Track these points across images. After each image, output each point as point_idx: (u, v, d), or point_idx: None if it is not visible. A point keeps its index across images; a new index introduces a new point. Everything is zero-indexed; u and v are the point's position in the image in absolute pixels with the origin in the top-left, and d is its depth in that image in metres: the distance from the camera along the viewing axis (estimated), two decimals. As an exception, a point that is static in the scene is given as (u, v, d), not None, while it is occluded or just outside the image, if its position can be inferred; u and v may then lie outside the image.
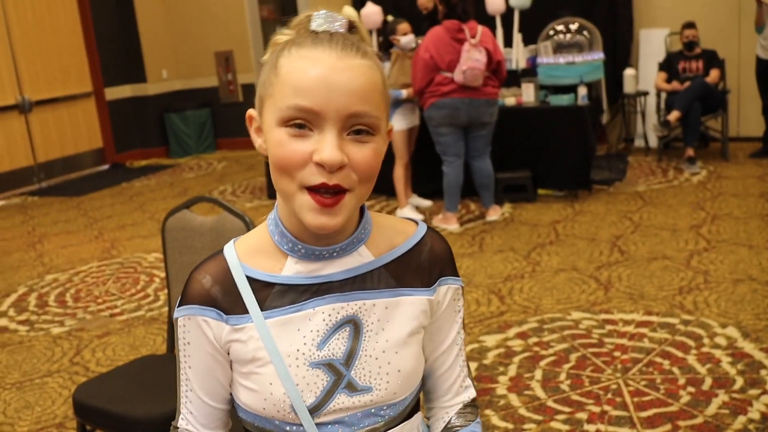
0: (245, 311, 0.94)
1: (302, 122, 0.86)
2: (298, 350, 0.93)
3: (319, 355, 0.94)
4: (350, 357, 0.95)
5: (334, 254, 0.95)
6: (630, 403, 2.66)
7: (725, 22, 7.16)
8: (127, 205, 6.96)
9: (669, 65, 6.78)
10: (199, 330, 0.96)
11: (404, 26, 5.29)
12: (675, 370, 2.87)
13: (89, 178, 8.53)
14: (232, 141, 9.79)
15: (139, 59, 9.48)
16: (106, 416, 2.00)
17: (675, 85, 6.57)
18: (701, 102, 6.34)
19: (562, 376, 2.91)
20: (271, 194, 6.64)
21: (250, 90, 9.63)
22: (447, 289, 1.02)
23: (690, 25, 6.65)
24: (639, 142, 7.49)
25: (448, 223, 5.16)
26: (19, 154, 8.07)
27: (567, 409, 2.66)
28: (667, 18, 7.36)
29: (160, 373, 2.21)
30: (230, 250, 0.98)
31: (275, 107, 0.88)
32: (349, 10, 0.97)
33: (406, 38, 5.23)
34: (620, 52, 7.46)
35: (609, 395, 2.73)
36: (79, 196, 7.51)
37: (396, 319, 0.97)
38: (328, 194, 0.87)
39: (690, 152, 6.32)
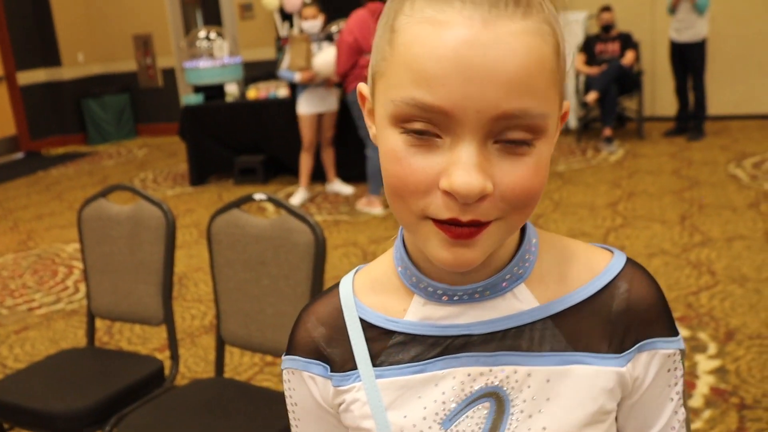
0: (354, 366, 0.71)
1: (425, 127, 0.58)
2: (414, 426, 0.68)
3: None
4: None
5: (476, 296, 0.67)
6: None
7: (639, 6, 7.39)
8: (43, 194, 6.73)
9: (587, 47, 6.96)
10: (304, 388, 0.74)
11: (308, 11, 5.28)
12: (593, 342, 2.98)
13: (2, 167, 8.21)
14: (152, 127, 9.57)
15: (53, 42, 9.15)
16: (24, 412, 1.95)
17: (593, 69, 6.75)
18: (617, 83, 6.54)
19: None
20: (194, 181, 6.54)
21: (170, 74, 9.44)
22: (652, 357, 0.68)
23: (606, 9, 6.84)
24: (559, 123, 7.66)
25: (372, 207, 5.19)
26: (-75, 143, 7.71)
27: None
28: (584, 1, 7.54)
29: (80, 366, 2.16)
30: (346, 283, 0.75)
31: (387, 96, 0.60)
32: None
33: (307, 23, 5.25)
34: (540, 34, 7.59)
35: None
36: (-8, 186, 7.23)
37: (562, 397, 0.65)
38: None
39: (607, 132, 6.52)
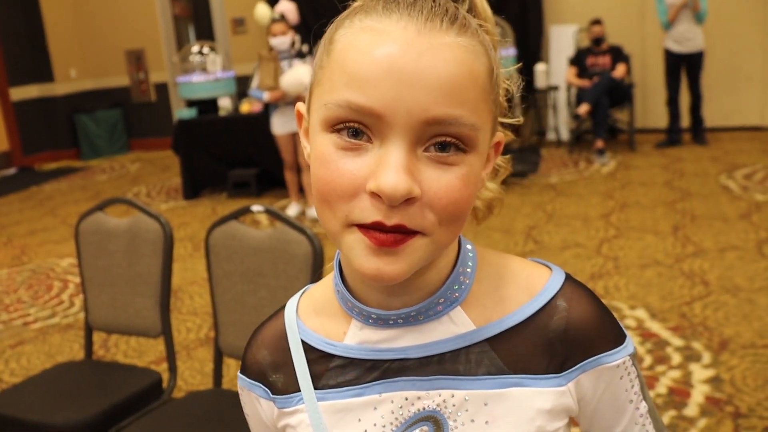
0: (297, 389, 0.71)
1: (358, 127, 0.58)
2: None
3: None
4: None
5: (410, 320, 0.66)
6: (546, 386, 2.76)
7: (630, 19, 7.46)
8: (36, 210, 6.72)
9: (578, 60, 7.02)
10: (253, 405, 0.77)
11: (275, 27, 5.15)
12: (588, 352, 2.99)
13: (-5, 183, 8.20)
14: (145, 141, 9.58)
15: (45, 58, 9.16)
16: (22, 425, 1.94)
17: (584, 81, 6.80)
18: (609, 95, 6.60)
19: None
20: (187, 195, 6.54)
21: (162, 89, 9.46)
22: (599, 374, 0.67)
23: (597, 22, 6.91)
24: (551, 135, 7.72)
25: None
26: None
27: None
28: (575, 14, 7.61)
29: (78, 379, 2.16)
30: (291, 305, 0.75)
31: (321, 101, 0.60)
32: None
33: (275, 39, 5.14)
34: (531, 47, 7.67)
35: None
36: (-16, 202, 7.21)
37: (500, 420, 0.65)
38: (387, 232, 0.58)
39: (599, 144, 6.56)
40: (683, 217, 4.69)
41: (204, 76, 6.66)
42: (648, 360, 2.87)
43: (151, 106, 9.52)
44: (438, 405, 0.66)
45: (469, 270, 0.68)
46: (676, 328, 3.11)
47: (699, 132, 6.88)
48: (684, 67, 6.72)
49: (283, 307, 0.76)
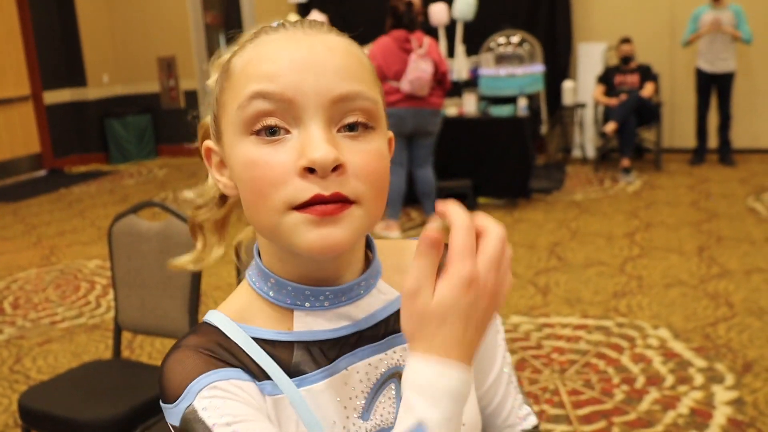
0: (264, 378, 0.69)
1: (274, 126, 0.64)
2: (344, 428, 0.70)
3: (367, 428, 0.72)
4: None
5: (345, 299, 0.72)
6: (567, 402, 2.76)
7: (660, 39, 7.45)
8: (65, 211, 6.83)
9: (606, 78, 7.02)
10: (237, 395, 0.66)
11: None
12: (609, 369, 2.99)
13: (26, 184, 8.34)
14: (173, 147, 9.69)
15: (79, 63, 9.33)
16: (53, 420, 1.99)
17: (612, 100, 6.80)
18: (636, 114, 6.58)
19: (503, 378, 2.99)
20: (215, 201, 6.60)
21: (192, 96, 9.57)
22: None
23: (626, 41, 6.91)
24: (576, 153, 7.71)
25: (390, 231, 5.23)
26: (-48, 158, 7.85)
27: (507, 409, 2.74)
28: (604, 33, 7.61)
29: (107, 377, 2.21)
30: (216, 315, 0.72)
31: (233, 112, 0.65)
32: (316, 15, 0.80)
33: None
34: (559, 64, 7.68)
35: (547, 395, 2.83)
36: (15, 202, 7.34)
37: None
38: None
39: (625, 162, 6.55)
40: (709, 238, 4.67)
41: (234, 84, 6.74)
42: (670, 380, 2.86)
43: (179, 113, 9.64)
44: (397, 361, 0.74)
45: (375, 249, 0.77)
46: (700, 349, 3.10)
47: (726, 153, 6.84)
48: (714, 88, 6.70)
49: (198, 326, 0.72)
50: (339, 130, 0.65)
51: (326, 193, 0.62)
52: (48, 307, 4.23)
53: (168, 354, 0.69)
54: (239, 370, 0.67)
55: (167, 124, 9.71)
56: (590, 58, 7.63)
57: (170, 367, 0.67)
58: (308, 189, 0.62)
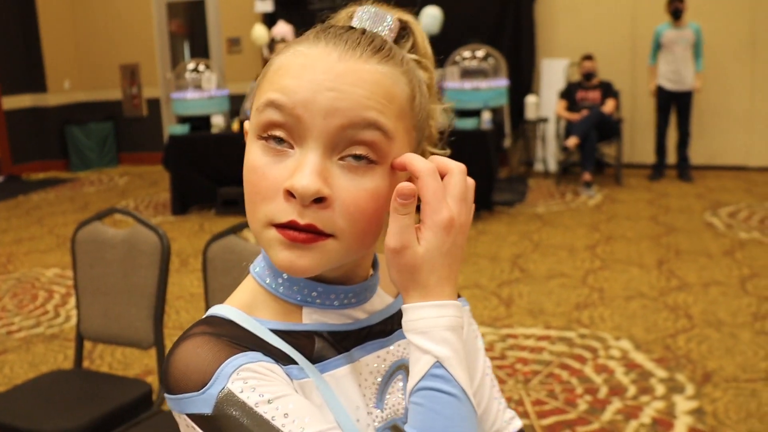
0: (292, 363, 0.69)
1: (281, 136, 0.65)
2: (368, 414, 0.73)
3: (383, 417, 0.74)
4: None
5: (355, 301, 0.74)
6: (531, 412, 2.79)
7: (621, 56, 7.59)
8: (23, 218, 6.69)
9: (569, 94, 7.13)
10: (273, 373, 0.65)
11: (282, 46, 5.19)
12: (573, 380, 3.02)
13: (-18, 191, 8.16)
14: (135, 156, 9.58)
15: (40, 68, 9.18)
16: None
17: (574, 115, 6.91)
18: (597, 130, 6.70)
19: (468, 389, 3.01)
20: (176, 211, 6.54)
21: (155, 104, 9.48)
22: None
23: (588, 57, 7.03)
24: (539, 166, 7.80)
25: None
26: None
27: (472, 420, 2.76)
28: (567, 49, 7.73)
29: (68, 387, 2.16)
30: (224, 308, 0.72)
31: (254, 111, 0.68)
32: (400, 13, 0.75)
33: None
34: (523, 79, 7.77)
35: (512, 405, 2.84)
36: (-30, 209, 7.17)
37: None
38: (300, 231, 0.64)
39: (587, 177, 6.65)
40: (668, 251, 4.76)
41: (198, 93, 6.70)
42: (632, 390, 2.90)
43: (142, 121, 9.53)
44: (402, 354, 0.77)
45: (378, 262, 0.80)
46: (661, 360, 3.15)
47: (685, 169, 7.00)
48: (674, 105, 6.85)
49: (204, 319, 0.71)
50: (342, 158, 0.64)
51: (301, 221, 0.63)
52: (4, 316, 4.13)
53: (176, 344, 0.67)
54: (264, 354, 0.67)
55: (129, 131, 9.59)
56: (553, 73, 7.75)
57: (185, 354, 0.65)
58: (287, 212, 0.64)
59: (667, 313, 3.68)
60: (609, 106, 6.86)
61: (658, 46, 6.79)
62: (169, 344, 3.53)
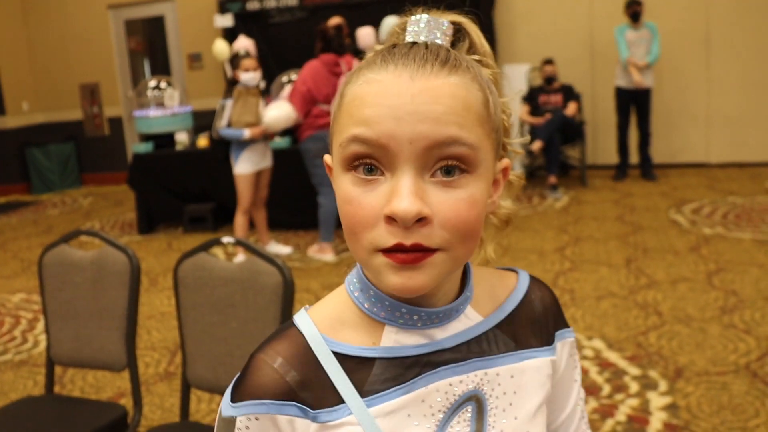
0: (337, 401, 0.71)
1: (371, 163, 0.66)
2: None
3: None
4: None
5: (438, 322, 0.75)
6: (509, 416, 2.79)
7: (581, 60, 7.70)
8: (-14, 244, 6.56)
9: (531, 98, 7.21)
10: (274, 431, 0.72)
11: (248, 62, 4.94)
12: (548, 382, 3.04)
13: (-59, 217, 7.98)
14: (98, 176, 9.45)
15: (-4, 91, 9.03)
16: (-17, 462, 1.90)
17: (537, 119, 6.98)
18: (561, 133, 6.78)
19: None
20: (142, 230, 6.47)
21: (117, 123, 9.38)
22: (564, 345, 0.84)
23: (549, 62, 7.12)
24: (505, 171, 7.84)
25: (324, 254, 5.21)
26: None
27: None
28: (528, 54, 7.82)
29: (41, 414, 2.12)
30: (305, 321, 0.76)
31: (336, 143, 0.69)
32: (452, 15, 0.76)
33: (247, 75, 4.91)
34: (485, 85, 7.82)
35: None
36: (-70, 237, 7.01)
37: (524, 389, 0.78)
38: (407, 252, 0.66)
39: (552, 180, 6.72)
40: (635, 250, 4.82)
41: (161, 110, 6.64)
42: (606, 389, 2.93)
43: (104, 141, 9.42)
44: (476, 384, 0.75)
45: (470, 276, 0.80)
46: (633, 358, 3.19)
47: (647, 168, 7.11)
48: (634, 105, 6.96)
49: (288, 326, 0.76)
50: (434, 174, 0.66)
51: (407, 243, 0.64)
52: (-30, 344, 4.04)
53: (259, 347, 0.74)
54: (297, 406, 0.71)
55: (91, 152, 9.47)
56: (515, 78, 7.83)
57: (253, 362, 0.73)
58: (391, 236, 0.65)
59: (637, 311, 3.73)
60: (571, 109, 6.95)
61: (625, 43, 6.84)
62: (141, 365, 3.49)
